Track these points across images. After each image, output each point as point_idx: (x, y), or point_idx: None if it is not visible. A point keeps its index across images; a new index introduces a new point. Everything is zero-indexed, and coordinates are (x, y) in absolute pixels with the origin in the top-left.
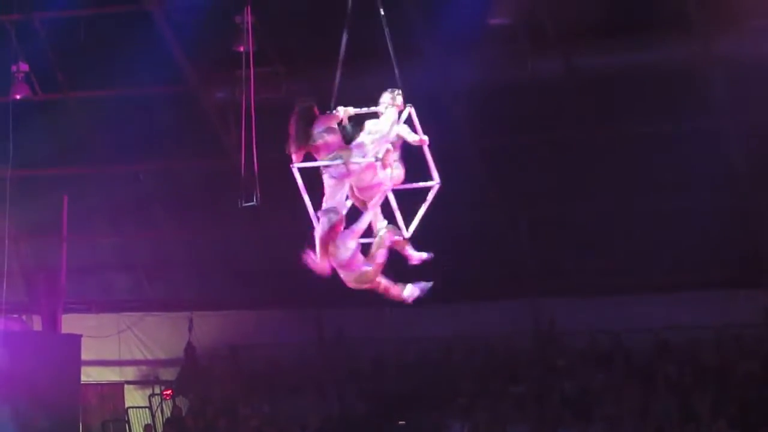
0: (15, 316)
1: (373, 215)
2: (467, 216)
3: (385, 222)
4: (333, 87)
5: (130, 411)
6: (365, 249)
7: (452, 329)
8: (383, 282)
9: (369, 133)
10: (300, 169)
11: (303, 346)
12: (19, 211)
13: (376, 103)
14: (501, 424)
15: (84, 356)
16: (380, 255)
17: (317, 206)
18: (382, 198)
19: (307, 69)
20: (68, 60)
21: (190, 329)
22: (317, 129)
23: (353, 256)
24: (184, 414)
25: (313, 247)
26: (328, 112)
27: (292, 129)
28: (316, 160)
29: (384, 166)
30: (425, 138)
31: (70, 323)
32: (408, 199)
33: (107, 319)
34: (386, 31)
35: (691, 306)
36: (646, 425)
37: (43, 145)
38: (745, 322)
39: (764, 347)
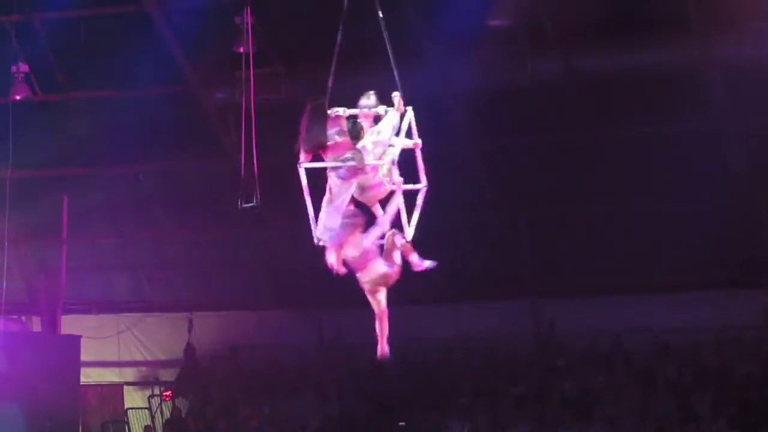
0: (14, 316)
1: (387, 219)
2: (467, 217)
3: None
4: (333, 87)
5: (130, 412)
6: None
7: (452, 330)
8: (399, 242)
9: (370, 134)
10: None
11: (303, 347)
12: (19, 212)
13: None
14: (501, 424)
15: (83, 357)
16: (397, 257)
17: (317, 207)
18: (397, 201)
19: (307, 70)
20: (68, 61)
21: (189, 330)
22: (331, 129)
23: (372, 257)
24: (183, 415)
25: (329, 247)
26: (334, 112)
27: (304, 128)
28: (321, 160)
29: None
30: (419, 141)
31: (70, 324)
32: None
33: (107, 320)
34: (385, 34)
35: (691, 306)
36: (646, 426)
37: (42, 145)
38: (745, 323)
39: (764, 348)
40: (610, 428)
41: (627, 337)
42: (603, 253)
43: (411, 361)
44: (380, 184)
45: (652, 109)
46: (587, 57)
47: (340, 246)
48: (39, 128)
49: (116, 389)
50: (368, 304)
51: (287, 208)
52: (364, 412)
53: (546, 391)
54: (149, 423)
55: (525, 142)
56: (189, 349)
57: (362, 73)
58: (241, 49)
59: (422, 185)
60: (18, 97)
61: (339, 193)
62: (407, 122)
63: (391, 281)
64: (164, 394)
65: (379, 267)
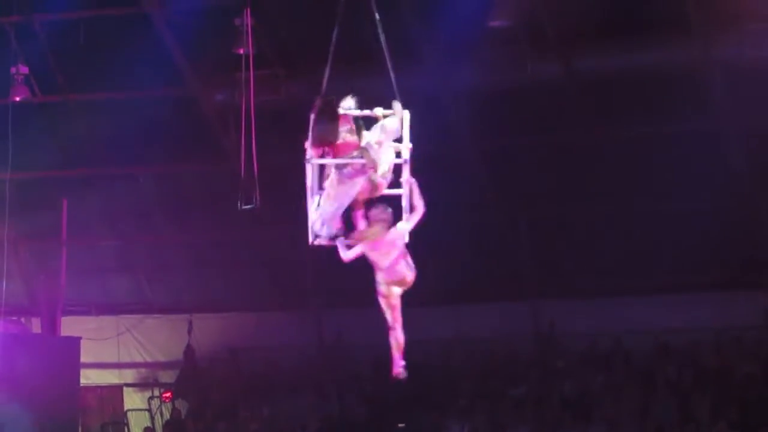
0: (14, 318)
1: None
2: (467, 217)
3: None
4: (335, 87)
5: (130, 413)
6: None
7: (452, 331)
8: None
9: (372, 133)
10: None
11: (302, 349)
12: (19, 214)
13: (373, 105)
14: (501, 425)
15: (83, 359)
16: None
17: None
18: (409, 197)
19: (307, 71)
20: (68, 62)
21: (189, 332)
22: (342, 127)
23: (399, 258)
24: (183, 416)
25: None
26: (344, 110)
27: (314, 124)
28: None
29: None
30: (410, 145)
31: (70, 326)
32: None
33: (106, 321)
34: (381, 35)
35: (691, 307)
36: (646, 427)
37: (42, 147)
38: (745, 323)
39: (764, 349)
40: (609, 429)
41: (627, 338)
42: (603, 253)
43: (411, 362)
44: (381, 184)
45: (652, 109)
46: (587, 57)
47: (363, 240)
48: (38, 130)
49: (116, 391)
50: (368, 305)
51: (287, 209)
52: (364, 413)
53: (546, 393)
54: (149, 424)
55: (525, 142)
56: (189, 350)
57: (363, 75)
58: (241, 51)
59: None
60: (17, 99)
61: (347, 190)
62: (404, 125)
63: (410, 283)
64: (164, 395)
65: (404, 268)
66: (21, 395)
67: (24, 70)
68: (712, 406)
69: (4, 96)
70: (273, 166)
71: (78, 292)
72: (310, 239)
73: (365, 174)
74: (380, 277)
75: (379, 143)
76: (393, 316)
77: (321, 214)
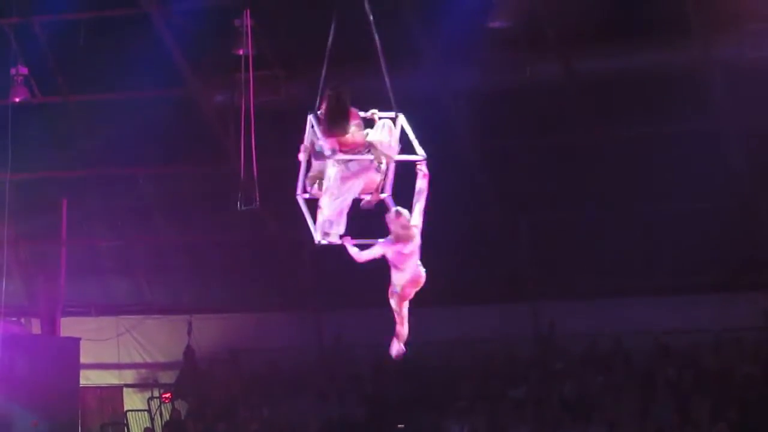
0: (14, 319)
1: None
2: (467, 219)
3: None
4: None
5: (129, 414)
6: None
7: (452, 332)
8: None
9: (377, 133)
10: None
11: (302, 350)
12: (19, 215)
13: (372, 106)
14: (501, 426)
15: (83, 359)
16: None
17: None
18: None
19: (307, 72)
20: (67, 63)
21: (189, 332)
22: (353, 121)
23: (416, 259)
24: (183, 417)
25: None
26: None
27: (327, 114)
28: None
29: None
30: (398, 147)
31: (69, 326)
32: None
33: (106, 322)
34: (375, 37)
35: (691, 308)
36: (646, 427)
37: (42, 148)
38: (745, 325)
39: (764, 350)
40: (609, 430)
41: (627, 339)
42: (603, 253)
43: (411, 363)
44: (380, 183)
45: (652, 109)
46: (587, 58)
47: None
48: (38, 130)
49: (116, 391)
50: (368, 305)
51: (287, 209)
52: (364, 415)
53: (546, 394)
54: (149, 425)
55: (525, 142)
56: (188, 351)
57: (363, 75)
58: (241, 52)
59: (386, 195)
60: (17, 100)
61: (351, 187)
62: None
63: (422, 283)
64: (164, 396)
65: (420, 268)
66: (21, 396)
67: (24, 71)
68: (712, 407)
69: (4, 97)
70: (273, 167)
71: (78, 293)
72: (317, 238)
73: (370, 171)
74: (398, 278)
75: (380, 143)
76: (401, 315)
77: (327, 214)
